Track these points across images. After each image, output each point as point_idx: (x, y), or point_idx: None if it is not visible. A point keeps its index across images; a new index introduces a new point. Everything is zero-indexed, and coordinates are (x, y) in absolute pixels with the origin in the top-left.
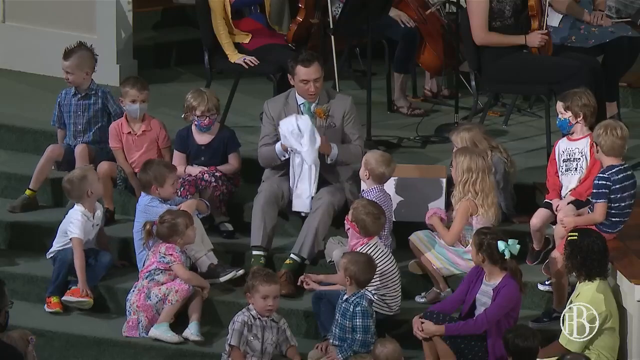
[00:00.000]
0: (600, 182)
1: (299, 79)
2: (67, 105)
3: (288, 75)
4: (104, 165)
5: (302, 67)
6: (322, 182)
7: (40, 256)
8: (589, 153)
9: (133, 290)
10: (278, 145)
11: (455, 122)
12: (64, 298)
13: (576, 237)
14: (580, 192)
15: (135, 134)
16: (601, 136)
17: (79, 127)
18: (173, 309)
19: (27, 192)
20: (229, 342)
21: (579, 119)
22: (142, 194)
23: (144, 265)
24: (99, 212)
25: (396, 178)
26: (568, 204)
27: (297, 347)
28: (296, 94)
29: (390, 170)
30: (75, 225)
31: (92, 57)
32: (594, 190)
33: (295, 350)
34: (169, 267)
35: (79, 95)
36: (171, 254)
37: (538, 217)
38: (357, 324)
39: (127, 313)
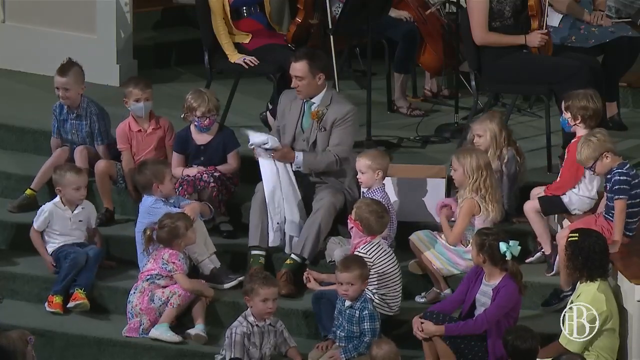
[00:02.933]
0: (622, 177)
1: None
2: (63, 121)
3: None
4: (100, 164)
5: (292, 61)
6: (322, 184)
7: (40, 256)
8: None
9: (134, 292)
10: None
11: (455, 122)
12: (68, 306)
13: (577, 238)
14: (549, 190)
15: (145, 132)
16: (604, 141)
17: (78, 143)
18: (174, 311)
19: (28, 191)
20: (232, 354)
21: (577, 122)
22: (145, 195)
23: (144, 267)
24: (80, 208)
25: (396, 178)
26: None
27: (297, 347)
28: None
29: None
30: (41, 214)
31: (83, 72)
32: (617, 187)
33: (296, 350)
34: (171, 275)
35: (72, 115)
36: (174, 262)
37: (529, 204)
38: (366, 327)
39: (129, 315)
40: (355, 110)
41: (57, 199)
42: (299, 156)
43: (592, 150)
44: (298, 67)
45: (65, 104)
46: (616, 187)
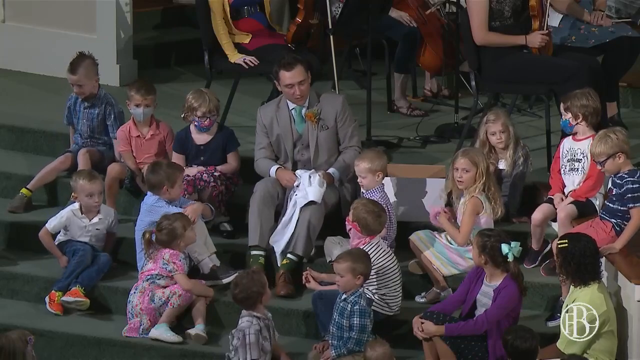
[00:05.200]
0: (635, 185)
1: (284, 84)
2: (76, 111)
3: (275, 82)
4: (115, 167)
5: (284, 72)
6: None
7: (40, 256)
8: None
9: (134, 292)
10: (272, 171)
11: (455, 122)
12: (63, 298)
13: (567, 244)
14: (579, 194)
15: (144, 138)
16: (622, 141)
17: (85, 134)
18: (174, 311)
19: (25, 191)
20: (250, 357)
21: (578, 120)
22: (148, 193)
23: (143, 267)
24: (97, 218)
25: (396, 178)
26: (569, 203)
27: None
28: (287, 99)
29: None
30: (57, 216)
31: (95, 63)
32: (630, 195)
33: (279, 348)
34: (171, 275)
35: (86, 104)
36: (174, 262)
37: (540, 212)
38: (355, 322)
39: (129, 315)
40: (345, 96)
41: (76, 205)
42: (335, 173)
43: (609, 147)
44: (298, 72)
45: (81, 98)
46: (629, 195)
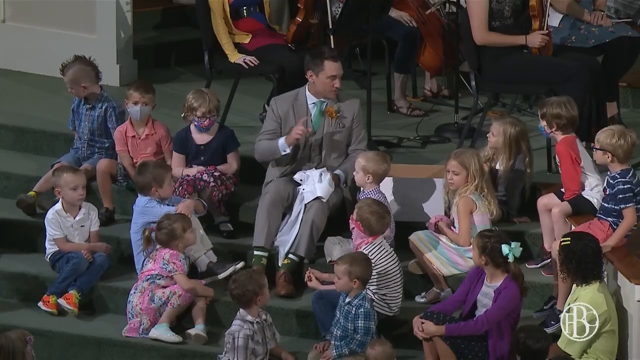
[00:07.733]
0: (625, 186)
1: (328, 75)
2: (79, 113)
3: (307, 72)
4: (103, 162)
5: (332, 62)
6: None
7: (40, 256)
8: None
9: (134, 292)
10: (282, 140)
11: (455, 122)
12: (59, 300)
13: (569, 242)
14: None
15: (139, 138)
16: (619, 146)
17: (85, 136)
18: (174, 311)
19: (33, 193)
20: (235, 359)
21: (553, 129)
22: (139, 195)
23: (142, 267)
24: (82, 214)
25: (395, 178)
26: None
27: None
28: (307, 92)
29: (389, 166)
30: (49, 225)
31: (90, 69)
32: (621, 196)
33: (279, 347)
34: (171, 275)
35: (87, 106)
36: (174, 263)
37: (546, 197)
38: (359, 325)
39: (129, 315)
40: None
41: (59, 205)
42: (342, 175)
43: (606, 143)
44: (339, 66)
45: (82, 99)
46: (620, 196)
